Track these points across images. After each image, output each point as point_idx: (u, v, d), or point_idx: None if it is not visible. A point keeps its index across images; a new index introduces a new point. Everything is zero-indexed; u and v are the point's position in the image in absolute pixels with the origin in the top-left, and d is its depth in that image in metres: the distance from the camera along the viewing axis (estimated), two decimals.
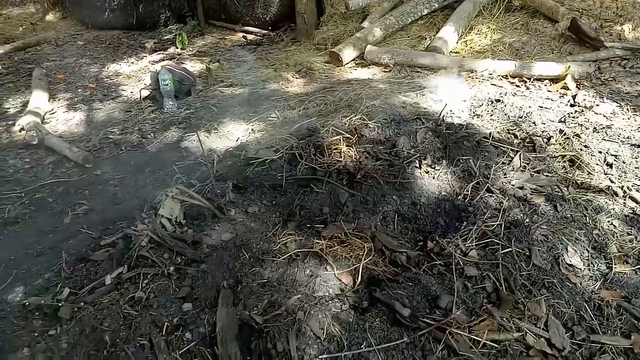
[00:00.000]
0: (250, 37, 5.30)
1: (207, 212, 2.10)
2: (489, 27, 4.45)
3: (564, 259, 1.81)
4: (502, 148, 2.37)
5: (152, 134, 3.20)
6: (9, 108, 3.81)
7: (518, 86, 3.48)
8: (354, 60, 4.27)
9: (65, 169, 2.92)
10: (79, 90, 4.04)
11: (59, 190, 2.69)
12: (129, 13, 5.66)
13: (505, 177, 2.20)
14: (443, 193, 2.12)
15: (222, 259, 1.81)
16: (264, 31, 5.33)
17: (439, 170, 2.21)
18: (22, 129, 3.29)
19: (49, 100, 3.78)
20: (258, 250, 1.84)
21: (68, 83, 4.21)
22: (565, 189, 2.20)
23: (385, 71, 3.99)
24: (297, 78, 3.99)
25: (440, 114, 2.57)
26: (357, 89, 3.37)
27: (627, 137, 2.61)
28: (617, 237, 1.97)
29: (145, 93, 3.79)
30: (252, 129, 3.02)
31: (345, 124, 2.55)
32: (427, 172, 2.20)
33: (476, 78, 3.57)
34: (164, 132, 3.21)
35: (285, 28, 5.29)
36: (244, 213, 2.06)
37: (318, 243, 1.84)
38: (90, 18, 5.87)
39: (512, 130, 2.57)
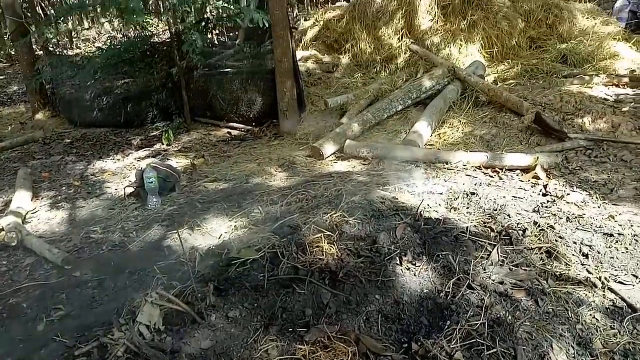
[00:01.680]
0: (234, 132, 5.52)
1: (186, 317, 2.05)
2: (460, 121, 4.74)
3: (549, 357, 1.79)
4: (479, 242, 2.42)
5: (134, 232, 3.20)
6: None
7: (491, 176, 3.64)
8: (334, 154, 4.45)
9: (43, 270, 2.87)
10: (63, 188, 4.08)
11: (35, 294, 2.62)
12: (117, 112, 5.90)
13: (484, 272, 2.23)
14: (425, 290, 2.13)
15: None
16: (248, 127, 5.57)
17: (419, 266, 2.23)
18: (2, 229, 3.27)
19: (32, 200, 3.80)
20: (239, 359, 1.78)
21: (52, 181, 4.26)
22: (545, 281, 2.22)
23: (364, 164, 4.15)
24: (280, 172, 4.11)
25: (417, 208, 2.65)
26: (338, 183, 3.48)
27: (599, 226, 2.70)
28: (600, 331, 1.96)
29: (130, 190, 3.84)
30: (235, 226, 3.05)
31: (326, 220, 2.60)
32: (408, 269, 2.21)
33: (450, 169, 3.73)
34: (146, 230, 3.21)
35: (268, 124, 5.54)
36: (224, 318, 2.01)
37: (301, 349, 1.80)
38: (79, 117, 6.09)
39: (488, 223, 2.65)
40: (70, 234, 3.29)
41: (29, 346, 2.20)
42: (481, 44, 6.82)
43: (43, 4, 17.40)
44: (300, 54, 7.42)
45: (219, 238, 2.92)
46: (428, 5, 7.29)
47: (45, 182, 4.23)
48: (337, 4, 12.47)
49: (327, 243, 2.41)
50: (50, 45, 8.05)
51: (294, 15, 13.72)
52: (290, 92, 5.13)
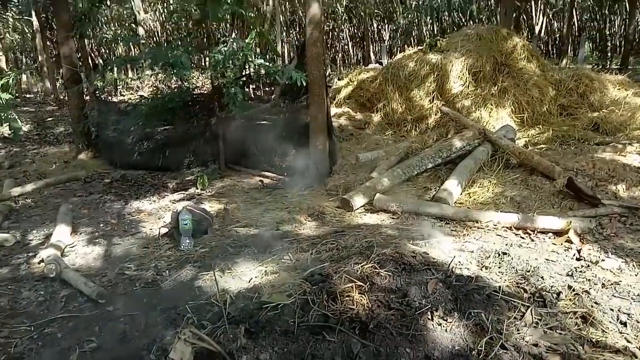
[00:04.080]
0: (266, 181, 5.68)
1: (217, 357, 2.07)
2: (490, 182, 4.76)
3: None
4: (512, 302, 2.39)
5: (167, 272, 3.28)
6: (32, 240, 3.97)
7: (523, 238, 3.61)
8: (363, 206, 4.51)
9: (77, 303, 2.94)
10: (101, 225, 4.23)
11: (69, 325, 2.68)
12: (155, 157, 6.19)
13: (518, 333, 2.19)
14: (456, 347, 2.10)
15: None
16: (280, 176, 5.73)
17: (451, 322, 2.21)
18: (42, 261, 3.40)
19: (71, 234, 3.95)
20: None
21: (91, 218, 4.43)
22: (581, 347, 2.16)
23: (393, 218, 4.19)
24: (309, 221, 4.18)
25: (449, 265, 2.65)
26: (368, 235, 3.51)
27: (638, 295, 2.63)
28: None
29: (164, 231, 3.96)
30: (265, 270, 3.09)
31: (357, 271, 2.62)
32: (440, 325, 2.20)
33: (481, 228, 3.72)
34: (178, 270, 3.28)
35: (299, 175, 5.68)
36: None
37: None
38: (119, 159, 6.41)
39: (521, 284, 2.62)
40: (106, 270, 3.39)
41: None
42: (511, 109, 6.96)
43: (93, 55, 18.73)
44: (333, 110, 7.71)
45: (250, 282, 2.96)
46: (459, 71, 7.55)
47: (84, 218, 4.40)
48: (371, 66, 13.02)
49: (358, 293, 2.42)
50: (98, 92, 8.59)
51: (327, 74, 14.33)
52: (323, 145, 5.31)
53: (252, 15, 12.83)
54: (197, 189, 5.29)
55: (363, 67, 12.67)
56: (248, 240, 3.77)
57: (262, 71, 6.14)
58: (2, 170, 6.35)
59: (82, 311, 2.84)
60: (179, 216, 3.77)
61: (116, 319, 2.73)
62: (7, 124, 8.24)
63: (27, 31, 17.91)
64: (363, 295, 2.41)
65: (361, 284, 2.48)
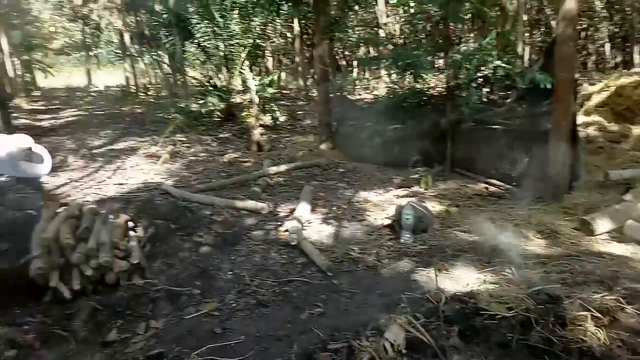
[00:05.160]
0: (492, 188, 5.42)
1: (428, 350, 2.13)
2: None
3: None
4: None
5: (386, 260, 3.49)
6: (280, 211, 4.73)
7: None
8: (608, 232, 3.89)
9: (310, 271, 3.40)
10: (334, 208, 4.75)
11: (303, 288, 3.13)
12: (385, 152, 6.56)
13: None
14: None
15: None
16: (507, 185, 5.39)
17: None
18: (287, 230, 4.03)
19: (310, 212, 4.56)
20: None
21: (326, 200, 5.01)
22: None
23: None
24: (538, 238, 3.84)
25: None
26: (612, 265, 3.04)
27: None
28: None
29: (387, 222, 4.21)
30: (484, 279, 3.00)
31: (595, 300, 2.31)
32: None
33: None
34: (397, 261, 3.46)
35: (530, 186, 5.23)
36: None
37: None
38: (353, 152, 7.02)
39: None
40: (334, 248, 3.81)
41: (293, 328, 2.65)
42: None
43: (338, 57, 20.82)
44: (580, 119, 6.80)
45: (467, 286, 2.92)
46: None
47: (320, 200, 5.02)
48: (635, 69, 10.93)
49: (594, 326, 2.14)
50: (341, 90, 9.55)
51: (576, 78, 12.61)
52: (564, 157, 4.74)
53: (494, 14, 12.25)
54: (421, 187, 5.41)
55: (623, 71, 10.73)
56: (467, 245, 3.69)
57: (500, 73, 5.85)
58: (263, 153, 7.70)
59: (312, 279, 3.27)
60: (402, 210, 3.95)
61: (339, 292, 3.06)
62: (270, 114, 9.96)
63: (288, 36, 20.96)
64: (600, 329, 2.12)
65: (599, 316, 2.18)
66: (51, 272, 3.41)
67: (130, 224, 4.22)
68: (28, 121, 9.69)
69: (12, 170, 3.50)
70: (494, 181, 5.57)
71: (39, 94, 16.13)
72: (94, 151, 7.32)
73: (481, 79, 6.36)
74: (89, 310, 2.92)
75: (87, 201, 4.74)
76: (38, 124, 9.62)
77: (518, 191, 5.16)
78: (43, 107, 12.40)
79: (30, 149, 3.54)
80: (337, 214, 4.58)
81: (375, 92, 14.12)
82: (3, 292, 3.28)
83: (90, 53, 18.12)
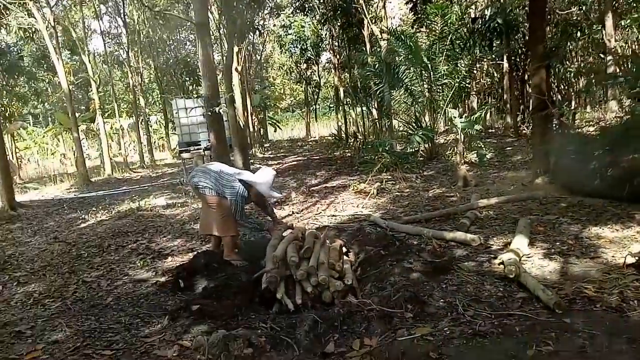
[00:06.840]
0: None
1: None
2: None
3: None
4: None
5: (635, 302, 2.88)
6: (492, 244, 4.41)
7: None
8: None
9: (533, 307, 3.03)
10: (557, 243, 4.20)
11: (526, 323, 2.80)
12: (621, 185, 5.56)
13: None
14: None
15: None
16: None
17: None
18: (502, 263, 3.72)
19: (528, 246, 4.12)
20: None
21: (546, 235, 4.47)
22: None
23: None
24: None
25: None
26: None
27: None
28: None
29: (631, 260, 3.50)
30: None
31: None
32: None
33: None
34: None
35: None
36: None
37: None
38: (577, 185, 6.16)
39: None
40: (562, 284, 3.34)
41: None
42: None
43: (551, 91, 18.97)
44: None
45: None
46: None
47: (539, 234, 4.50)
48: None
49: None
50: (560, 120, 8.61)
51: None
52: None
53: None
54: None
55: None
56: None
57: None
58: (469, 188, 7.40)
59: (537, 315, 2.90)
60: None
61: (573, 332, 2.63)
62: (475, 151, 9.61)
63: (495, 75, 20.17)
64: None
65: None
66: (279, 285, 3.86)
67: (344, 249, 4.52)
68: (260, 166, 11.48)
69: (267, 192, 4.72)
70: None
71: (269, 144, 19.07)
72: (312, 188, 8.18)
73: None
74: (310, 322, 3.17)
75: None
76: None
77: None
78: (271, 155, 14.57)
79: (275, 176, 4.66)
80: (562, 249, 4.02)
81: (601, 123, 12.33)
82: (244, 300, 3.84)
83: (310, 108, 20.76)
